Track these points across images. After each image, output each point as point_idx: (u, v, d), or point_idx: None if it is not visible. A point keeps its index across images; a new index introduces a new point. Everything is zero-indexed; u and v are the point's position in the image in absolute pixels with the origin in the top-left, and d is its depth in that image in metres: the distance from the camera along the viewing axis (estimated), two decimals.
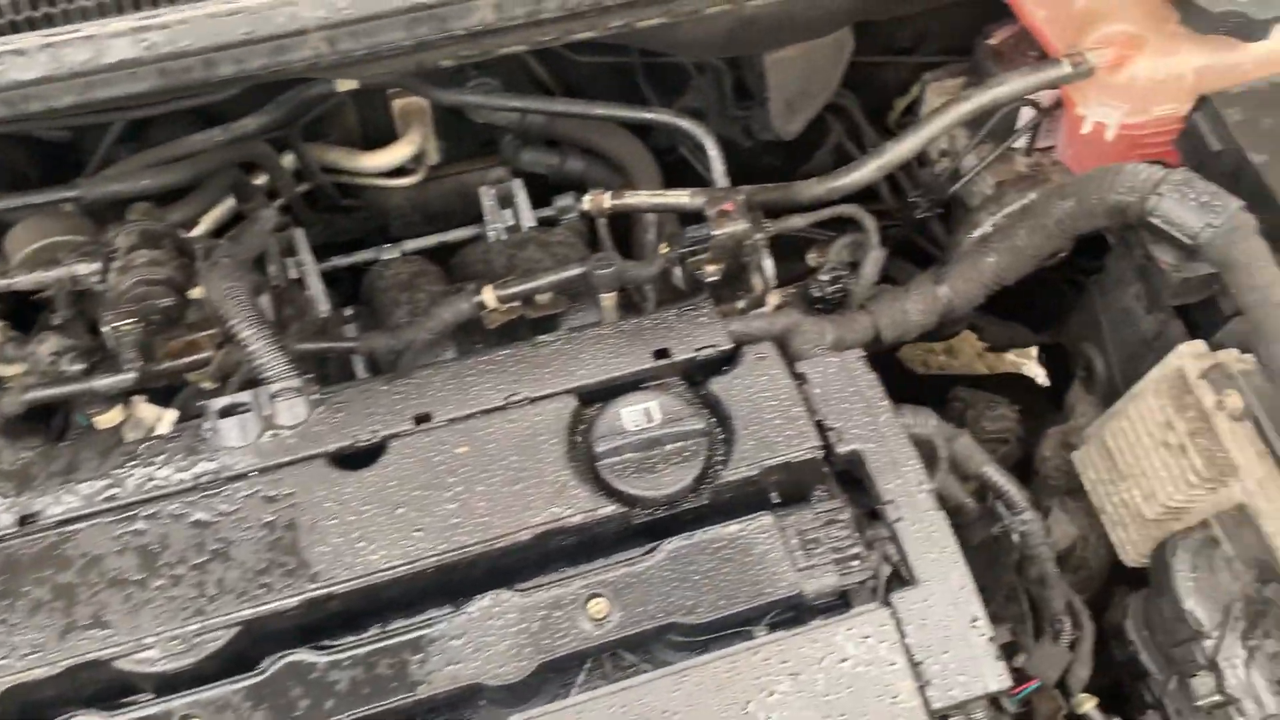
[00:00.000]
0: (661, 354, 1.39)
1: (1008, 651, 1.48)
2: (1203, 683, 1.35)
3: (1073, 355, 1.91)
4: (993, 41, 1.85)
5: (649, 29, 1.73)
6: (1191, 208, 1.32)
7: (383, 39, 1.28)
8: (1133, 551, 1.61)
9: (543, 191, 2.02)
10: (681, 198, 1.69)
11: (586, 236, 1.84)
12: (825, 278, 1.63)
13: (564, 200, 1.88)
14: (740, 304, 1.59)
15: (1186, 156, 1.51)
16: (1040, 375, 2.57)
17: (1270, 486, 1.37)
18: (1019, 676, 1.45)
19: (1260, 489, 1.38)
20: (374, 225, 2.21)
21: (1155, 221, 1.35)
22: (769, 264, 1.51)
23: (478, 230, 1.86)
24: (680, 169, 2.10)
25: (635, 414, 1.34)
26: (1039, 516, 1.48)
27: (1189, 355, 1.45)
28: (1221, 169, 1.44)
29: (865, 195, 1.98)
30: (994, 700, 1.43)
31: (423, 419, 1.33)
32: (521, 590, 1.25)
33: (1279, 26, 1.52)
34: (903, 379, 2.72)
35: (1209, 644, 1.34)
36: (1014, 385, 2.51)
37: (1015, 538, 1.46)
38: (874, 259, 1.61)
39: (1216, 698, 1.33)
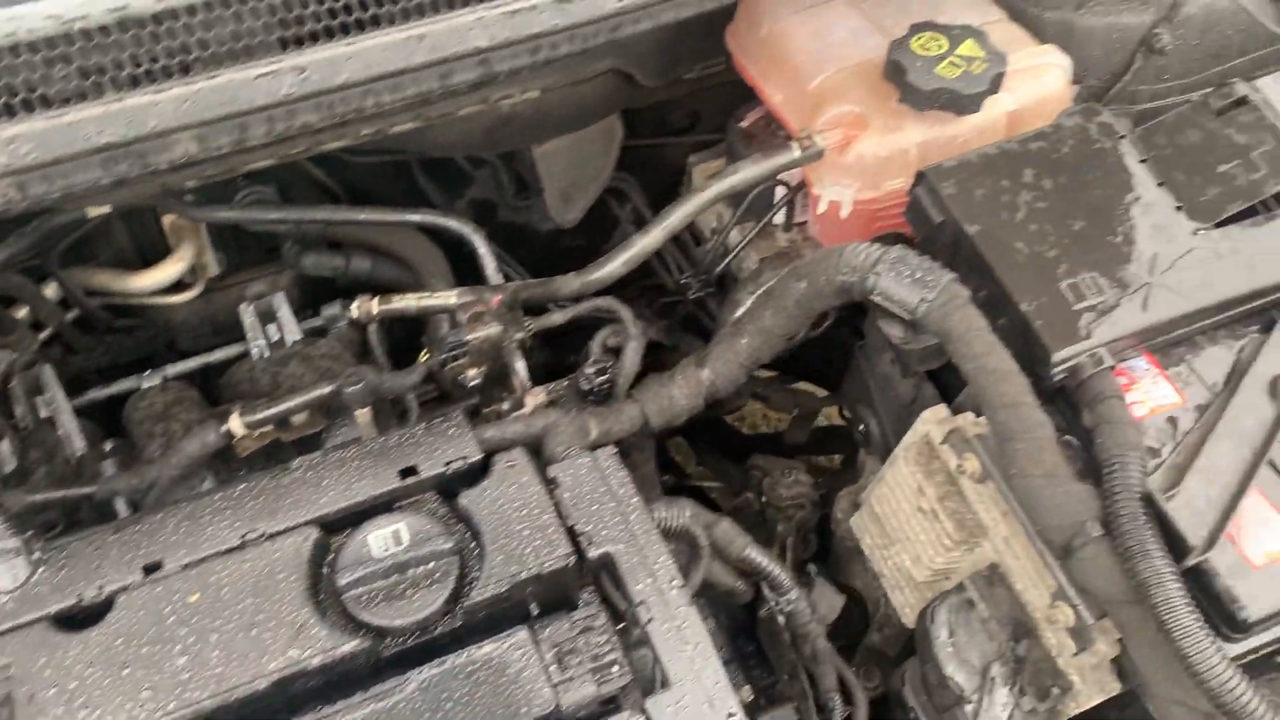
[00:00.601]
0: (409, 472, 1.36)
1: None
2: None
3: (853, 416, 1.95)
4: (743, 124, 1.91)
5: (404, 134, 1.73)
6: (906, 284, 1.37)
7: (77, 179, 1.24)
8: (910, 614, 1.64)
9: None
10: (449, 298, 1.68)
11: (357, 345, 1.81)
12: (590, 370, 1.63)
13: (330, 309, 1.84)
14: (505, 405, 1.57)
15: (916, 228, 1.56)
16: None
17: (1016, 544, 1.41)
18: None
19: (1008, 547, 1.42)
20: (163, 341, 2.13)
21: (877, 299, 1.39)
22: (521, 365, 1.51)
23: (243, 348, 1.81)
24: None
25: (383, 538, 1.30)
26: (804, 594, 1.50)
27: (932, 421, 1.50)
28: (943, 240, 1.50)
29: (646, 274, 2.01)
30: None
31: (153, 568, 1.27)
32: None
33: (989, 100, 1.60)
34: (737, 440, 2.77)
35: (969, 709, 1.37)
36: (845, 438, 2.56)
37: (781, 619, 1.47)
38: (633, 349, 1.62)
39: None
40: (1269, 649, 1.36)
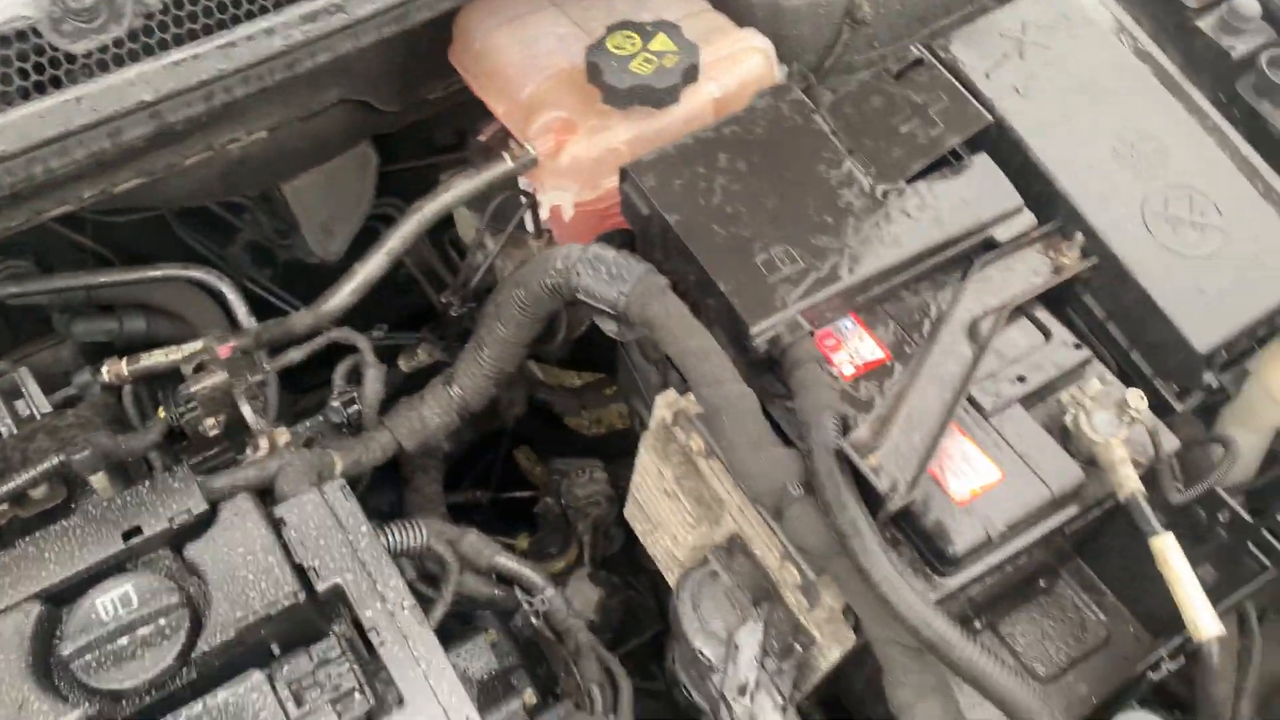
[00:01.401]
0: (133, 532, 1.35)
1: None
2: (725, 717, 1.41)
3: (629, 409, 2.00)
4: (482, 137, 1.93)
5: (135, 190, 1.72)
6: (605, 280, 1.41)
7: None
8: None
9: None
10: (189, 350, 1.67)
11: (112, 410, 1.78)
12: (336, 403, 1.64)
13: (81, 376, 1.81)
14: (249, 452, 1.57)
15: (631, 223, 1.61)
16: None
17: (748, 513, 1.46)
18: None
19: (742, 516, 1.47)
20: None
21: (583, 298, 1.43)
22: (248, 410, 1.51)
23: None
24: None
25: (110, 602, 1.29)
26: (559, 592, 1.53)
27: (663, 405, 1.54)
28: (653, 231, 1.54)
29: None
30: None
31: None
32: None
33: (688, 90, 1.65)
34: (580, 443, 2.79)
35: (718, 678, 1.41)
36: None
37: (535, 620, 1.50)
38: (372, 376, 1.64)
39: None
40: (988, 578, 1.43)
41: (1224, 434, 1.60)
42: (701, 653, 1.42)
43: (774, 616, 1.43)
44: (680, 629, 1.44)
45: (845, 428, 1.35)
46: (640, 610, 2.08)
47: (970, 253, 1.58)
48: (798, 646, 1.41)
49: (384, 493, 2.04)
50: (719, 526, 1.53)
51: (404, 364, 2.03)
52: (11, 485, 1.47)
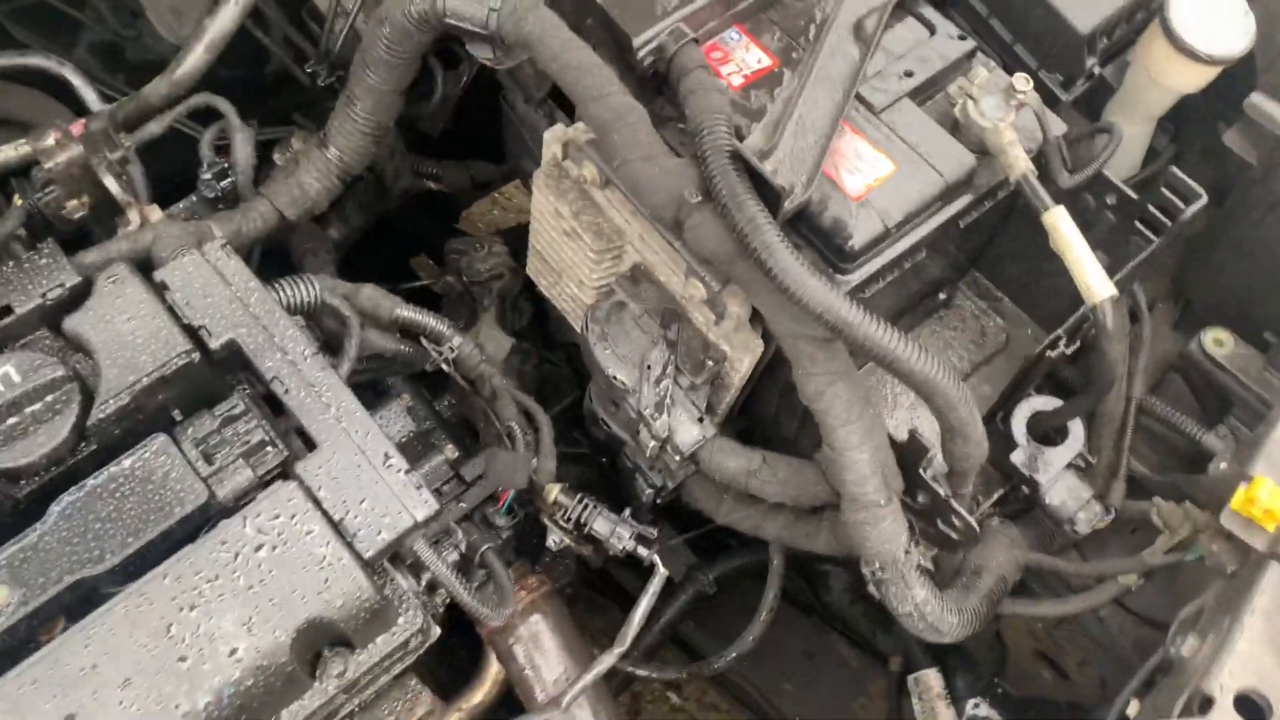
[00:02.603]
0: (3, 312, 1.28)
1: None
2: (644, 435, 1.43)
3: (520, 173, 1.94)
4: None
5: None
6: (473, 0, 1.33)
7: None
8: None
9: None
10: (40, 138, 1.54)
11: None
12: (207, 175, 1.55)
13: None
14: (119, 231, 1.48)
15: None
16: None
17: (650, 239, 1.44)
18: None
19: (644, 243, 1.45)
20: None
21: (451, 22, 1.35)
22: (113, 182, 1.41)
23: None
24: None
25: None
26: (469, 338, 1.50)
27: (552, 140, 1.49)
28: None
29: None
30: (485, 521, 1.47)
31: None
32: None
33: None
34: None
35: (634, 399, 1.42)
36: None
37: (446, 368, 1.48)
38: (240, 140, 1.54)
39: (654, 444, 1.41)
40: (887, 274, 1.45)
41: (1106, 122, 1.62)
42: (615, 378, 1.42)
43: (683, 335, 1.43)
44: (593, 360, 1.44)
45: (739, 137, 1.32)
46: (556, 378, 2.07)
47: None
48: (709, 362, 1.42)
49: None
50: (621, 260, 1.51)
51: (279, 157, 1.93)
52: None
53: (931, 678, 2.21)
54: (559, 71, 1.33)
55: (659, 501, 1.61)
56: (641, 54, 1.37)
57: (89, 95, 1.69)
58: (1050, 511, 1.54)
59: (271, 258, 1.73)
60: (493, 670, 1.62)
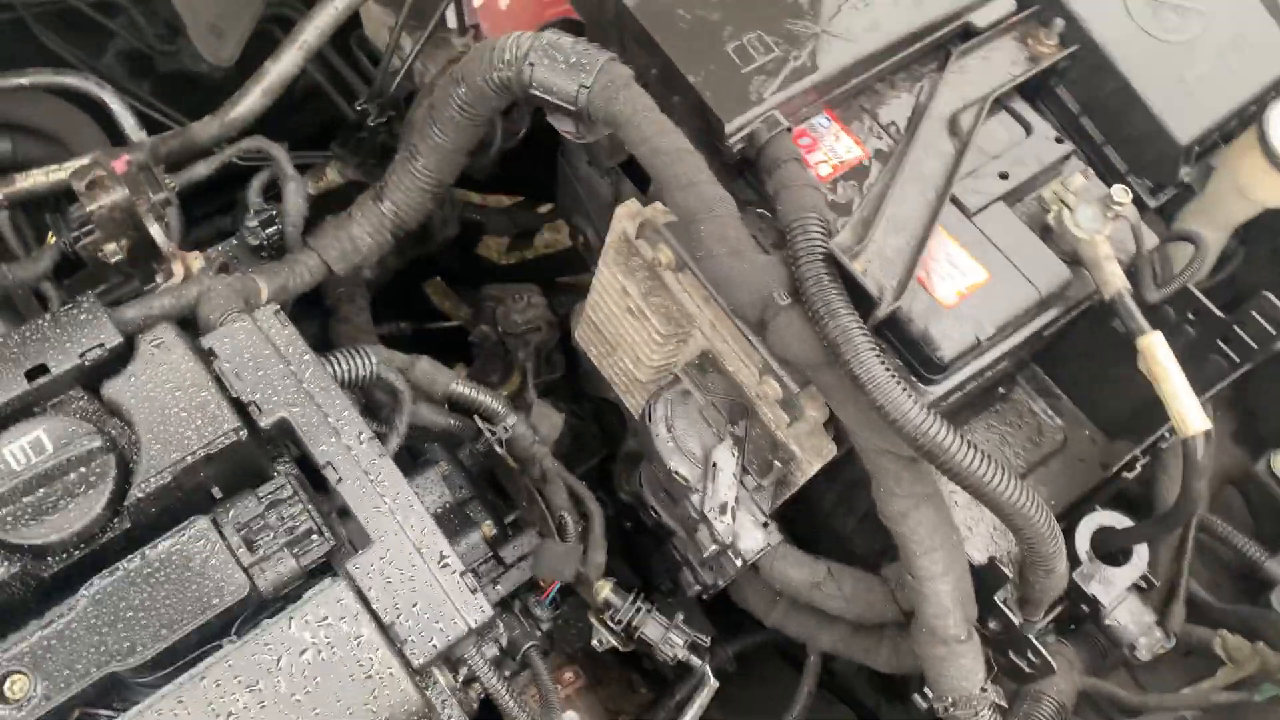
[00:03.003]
0: (38, 371, 1.19)
1: None
2: (703, 535, 1.36)
3: (570, 228, 1.86)
4: None
5: None
6: (562, 71, 1.25)
7: None
8: None
9: None
10: (82, 163, 1.45)
11: None
12: (253, 222, 1.46)
13: None
14: (159, 280, 1.40)
15: (581, 10, 1.44)
16: None
17: (722, 328, 1.37)
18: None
19: (714, 331, 1.38)
20: None
21: (537, 93, 1.27)
22: (158, 230, 1.33)
23: None
24: None
25: (20, 450, 1.14)
26: (523, 418, 1.43)
27: (625, 216, 1.42)
28: (607, 18, 1.38)
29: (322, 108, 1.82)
30: (525, 611, 1.40)
31: None
32: None
33: None
34: (495, 272, 2.65)
35: (696, 498, 1.35)
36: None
37: (499, 449, 1.40)
38: (293, 189, 1.46)
39: (715, 547, 1.34)
40: (972, 385, 1.39)
41: (1191, 230, 1.57)
42: (677, 473, 1.35)
43: (751, 434, 1.37)
44: (654, 450, 1.36)
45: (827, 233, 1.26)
46: (584, 436, 2.00)
47: (947, 41, 1.46)
48: (776, 463, 1.35)
49: (303, 326, 1.89)
50: (687, 344, 1.44)
51: (311, 185, 1.84)
52: None
53: None
54: (647, 154, 1.25)
55: (705, 598, 1.54)
56: (733, 140, 1.30)
57: (128, 122, 1.60)
58: (1110, 633, 1.48)
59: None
60: None
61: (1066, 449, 1.71)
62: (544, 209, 2.10)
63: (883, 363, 1.16)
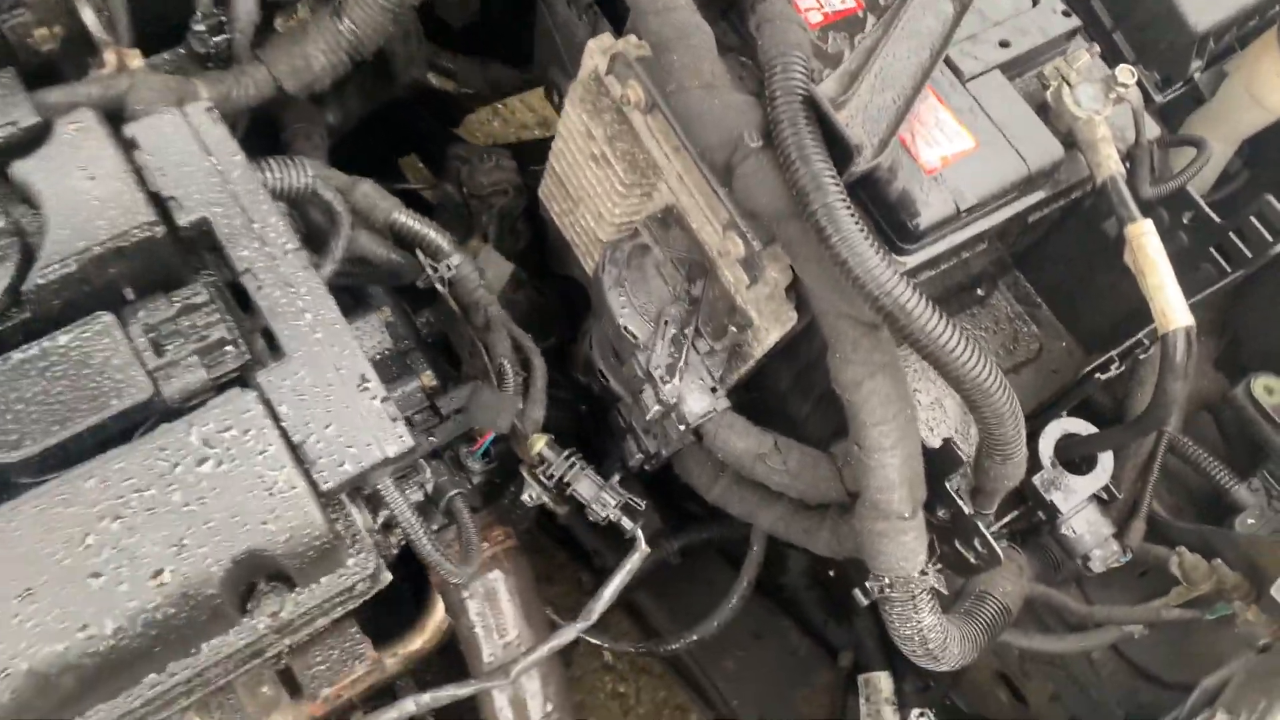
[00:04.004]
0: None
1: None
2: (648, 396, 1.28)
3: (547, 84, 1.76)
4: None
5: None
6: None
7: None
8: None
9: None
10: None
11: None
12: (201, 27, 1.36)
13: None
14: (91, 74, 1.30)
15: None
16: None
17: (689, 180, 1.28)
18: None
19: (681, 184, 1.29)
20: None
21: None
22: (91, 17, 1.22)
23: None
24: None
25: None
26: (469, 258, 1.34)
27: (596, 51, 1.32)
28: None
29: None
30: (455, 460, 1.33)
31: None
32: None
33: None
34: None
35: (644, 356, 1.27)
36: None
37: (440, 287, 1.31)
38: None
39: (658, 408, 1.26)
40: (947, 263, 1.31)
41: (1196, 135, 1.48)
42: (626, 329, 1.27)
43: (708, 294, 1.29)
44: (604, 303, 1.28)
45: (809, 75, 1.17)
46: (546, 312, 1.91)
47: None
48: (732, 328, 1.27)
49: None
50: (652, 199, 1.35)
51: (280, 24, 1.73)
52: None
53: (882, 680, 2.12)
54: None
55: (647, 468, 1.47)
56: None
57: None
58: (1065, 543, 1.42)
59: (255, 132, 1.55)
60: (436, 619, 1.48)
61: (1041, 358, 1.64)
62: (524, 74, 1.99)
63: (851, 215, 1.07)
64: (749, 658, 2.52)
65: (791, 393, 1.46)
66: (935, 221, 1.20)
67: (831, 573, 2.30)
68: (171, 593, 0.99)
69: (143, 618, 0.98)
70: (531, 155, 2.33)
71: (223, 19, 1.38)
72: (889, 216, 1.21)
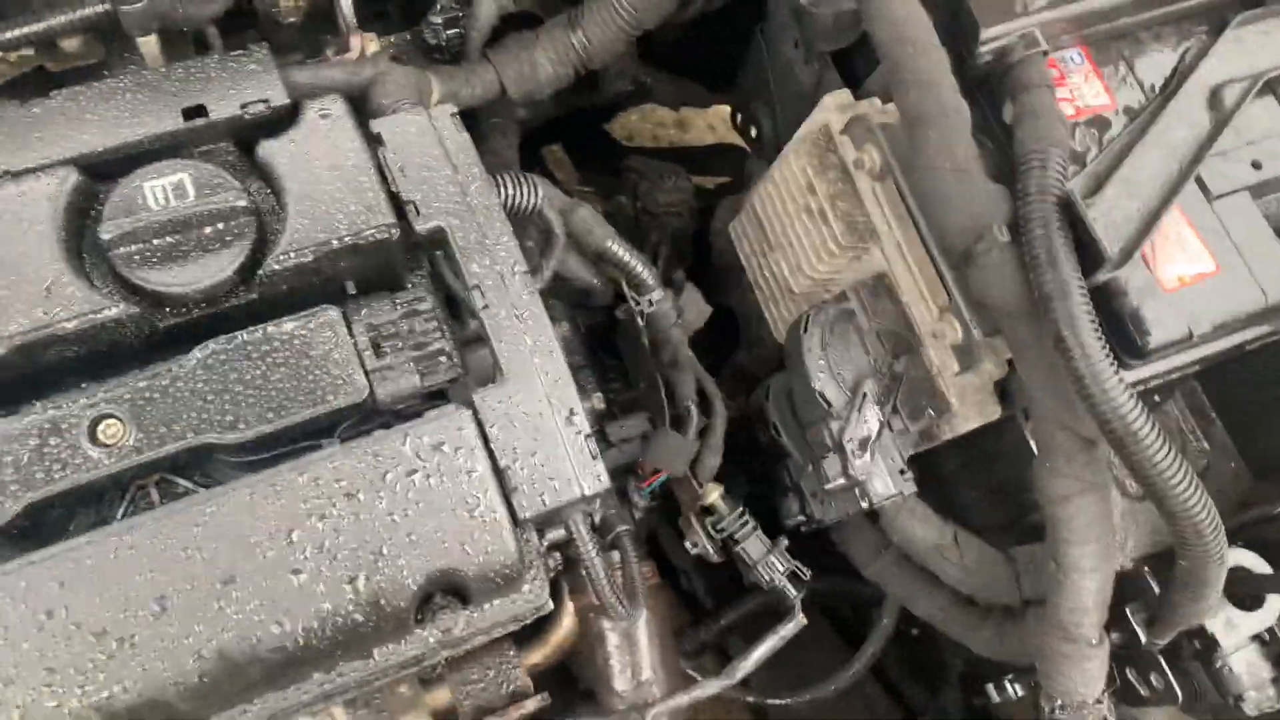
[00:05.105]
0: (196, 112, 1.11)
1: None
2: (831, 465, 1.26)
3: (745, 116, 1.74)
4: None
5: None
6: None
7: None
8: (784, 330, 1.50)
9: None
10: None
11: None
12: (437, 19, 1.35)
13: None
14: (330, 52, 1.30)
15: None
16: None
17: (909, 252, 1.26)
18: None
19: (899, 254, 1.27)
20: None
21: None
22: (347, 2, 1.22)
23: None
24: None
25: (161, 188, 1.06)
26: (669, 295, 1.33)
27: (833, 107, 1.29)
28: None
29: None
30: (623, 494, 1.32)
31: None
32: (7, 413, 1.00)
33: None
34: (620, 153, 2.52)
35: (836, 425, 1.24)
36: (733, 159, 2.33)
37: (640, 321, 1.30)
38: None
39: (842, 481, 1.24)
40: (1159, 380, 1.27)
41: None
42: (822, 394, 1.24)
43: (910, 372, 1.26)
44: (801, 365, 1.26)
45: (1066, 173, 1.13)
46: (695, 337, 1.89)
47: (1229, 6, 1.31)
48: (930, 410, 1.25)
49: None
50: (859, 262, 1.32)
51: None
52: (43, 24, 1.19)
53: None
54: (889, 41, 1.12)
55: (803, 529, 1.45)
56: (984, 50, 1.17)
57: None
58: (1219, 678, 1.37)
59: None
60: (560, 635, 1.47)
61: (1207, 476, 1.59)
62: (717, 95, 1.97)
63: (1095, 329, 1.04)
64: (826, 703, 2.50)
65: (961, 475, 1.43)
66: (1164, 343, 1.16)
67: (915, 631, 2.27)
68: (364, 601, 0.99)
69: (334, 621, 0.98)
70: (689, 162, 2.32)
71: (460, 14, 1.37)
72: (1117, 329, 1.17)
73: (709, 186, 2.22)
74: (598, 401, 1.40)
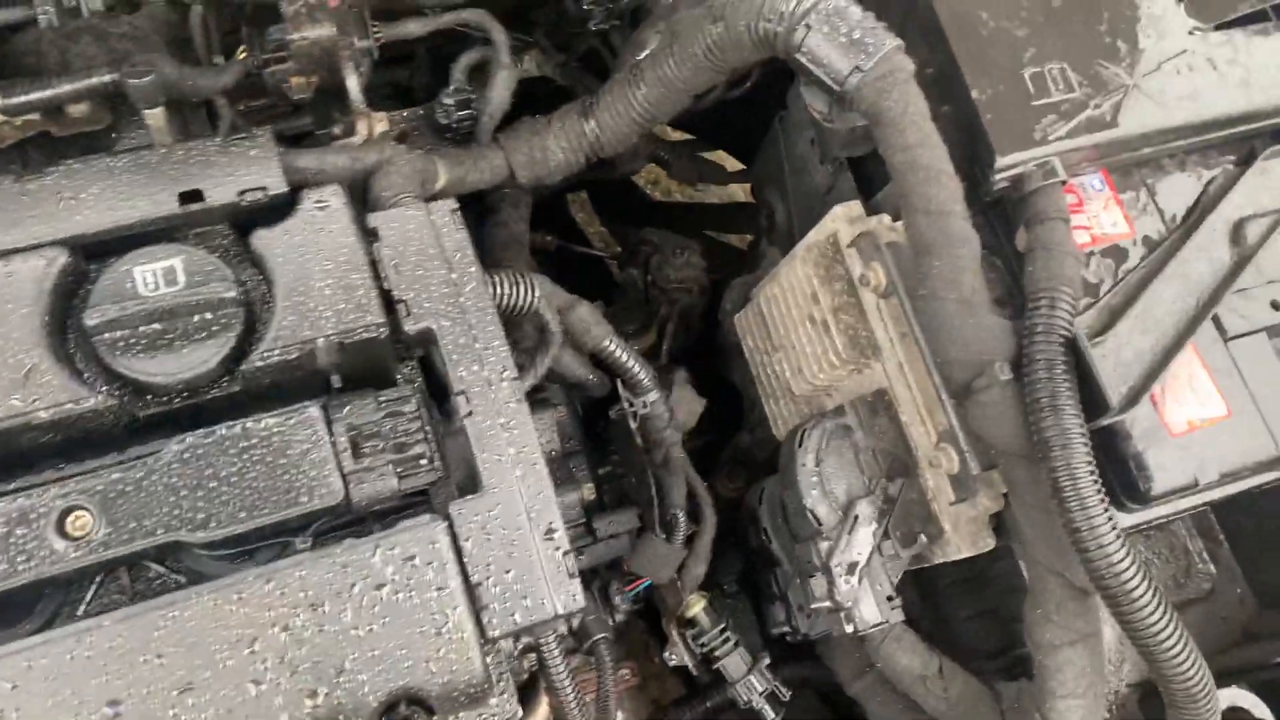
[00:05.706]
0: (192, 196, 1.09)
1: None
2: (818, 585, 1.23)
3: (759, 199, 1.71)
4: None
5: None
6: (840, 45, 1.09)
7: None
8: (782, 427, 1.48)
9: None
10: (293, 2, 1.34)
11: (173, 29, 1.46)
12: (449, 100, 1.34)
13: None
14: (338, 130, 1.29)
15: None
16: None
17: (910, 373, 1.22)
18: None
19: (900, 374, 1.23)
20: None
21: (802, 60, 1.12)
22: (355, 82, 1.21)
23: (27, 13, 1.45)
24: None
25: (151, 273, 1.05)
26: (662, 398, 1.30)
27: (843, 218, 1.27)
28: None
29: None
30: (604, 594, 1.29)
31: None
32: None
33: None
34: (646, 206, 2.51)
35: (825, 546, 1.21)
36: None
37: (633, 422, 1.28)
38: (503, 79, 1.33)
39: (827, 604, 1.21)
40: (1161, 521, 1.23)
41: None
42: (813, 512, 1.21)
43: (905, 496, 1.22)
44: (793, 478, 1.23)
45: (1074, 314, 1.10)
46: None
47: (1257, 136, 1.28)
48: (922, 536, 1.21)
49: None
50: (864, 374, 1.29)
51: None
52: (50, 92, 1.18)
53: None
54: (902, 165, 1.10)
55: (788, 639, 1.41)
56: (999, 177, 1.14)
57: None
58: None
59: None
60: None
61: (1211, 601, 1.55)
62: (734, 168, 1.94)
63: (1095, 481, 1.01)
64: None
65: (953, 592, 1.39)
66: (1168, 490, 1.13)
67: None
68: (322, 715, 0.96)
69: None
70: (708, 220, 2.29)
71: (472, 96, 1.36)
72: (1120, 472, 1.14)
73: (737, 244, 2.20)
74: (588, 492, 1.38)
